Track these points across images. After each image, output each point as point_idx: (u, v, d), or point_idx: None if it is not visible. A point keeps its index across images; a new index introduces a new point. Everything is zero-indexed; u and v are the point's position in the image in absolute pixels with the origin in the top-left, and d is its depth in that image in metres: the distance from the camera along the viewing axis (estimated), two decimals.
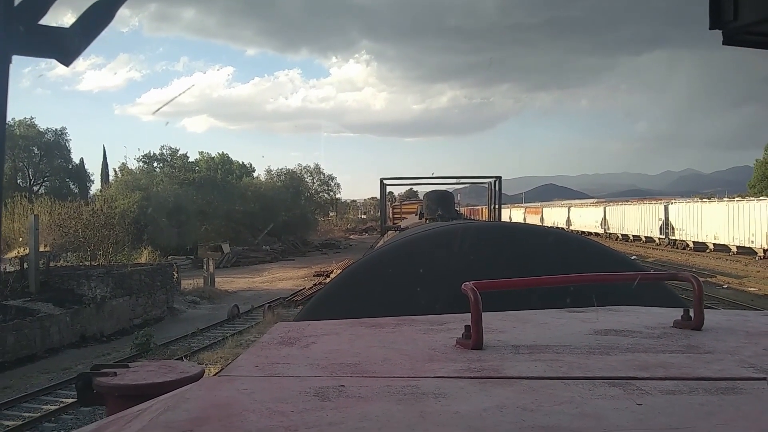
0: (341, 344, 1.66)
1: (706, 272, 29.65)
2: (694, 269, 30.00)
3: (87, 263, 21.94)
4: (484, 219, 29.01)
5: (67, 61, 0.89)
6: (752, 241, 36.17)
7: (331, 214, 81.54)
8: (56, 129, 56.92)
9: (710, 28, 1.07)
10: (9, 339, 15.46)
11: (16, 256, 23.90)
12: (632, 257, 19.08)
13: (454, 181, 14.05)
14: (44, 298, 18.36)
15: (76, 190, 54.16)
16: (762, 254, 35.17)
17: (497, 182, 13.23)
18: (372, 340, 1.69)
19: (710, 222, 40.35)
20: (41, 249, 23.40)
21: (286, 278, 33.84)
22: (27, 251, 23.34)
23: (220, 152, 60.39)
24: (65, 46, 0.88)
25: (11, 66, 0.83)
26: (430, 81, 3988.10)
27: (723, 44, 1.08)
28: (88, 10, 0.88)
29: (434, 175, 13.39)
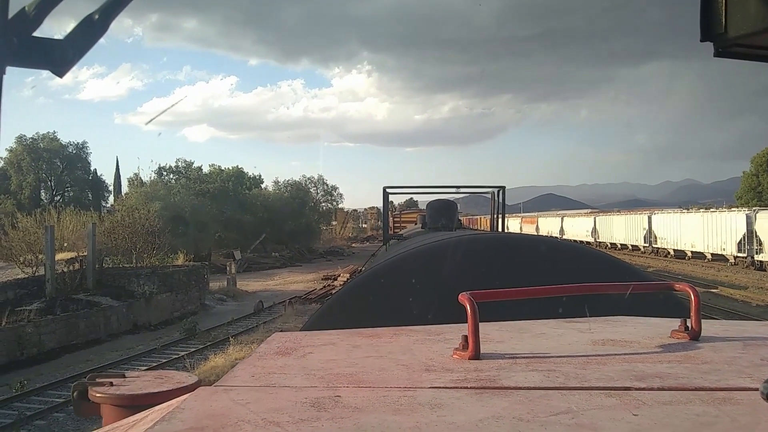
0: (338, 354, 1.65)
1: (680, 277, 32.74)
2: (672, 274, 33.21)
3: (132, 264, 25.33)
4: (485, 229, 30.91)
5: (60, 72, 0.90)
6: (724, 249, 39.29)
7: (333, 223, 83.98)
8: (77, 142, 60.11)
9: (701, 41, 1.08)
10: (80, 325, 18.81)
11: (62, 260, 27.33)
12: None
13: (456, 190, 13.60)
14: (101, 293, 21.71)
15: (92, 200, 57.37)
16: (733, 261, 38.39)
17: (501, 192, 12.93)
18: (369, 351, 1.68)
19: (688, 231, 43.48)
20: (81, 253, 26.88)
21: (297, 281, 36.76)
22: (65, 255, 26.81)
23: (235, 165, 62.84)
24: (59, 58, 0.89)
25: (5, 77, 0.84)
26: (432, 91, 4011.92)
27: (714, 56, 1.08)
28: (81, 22, 0.90)
29: (437, 184, 13.42)
